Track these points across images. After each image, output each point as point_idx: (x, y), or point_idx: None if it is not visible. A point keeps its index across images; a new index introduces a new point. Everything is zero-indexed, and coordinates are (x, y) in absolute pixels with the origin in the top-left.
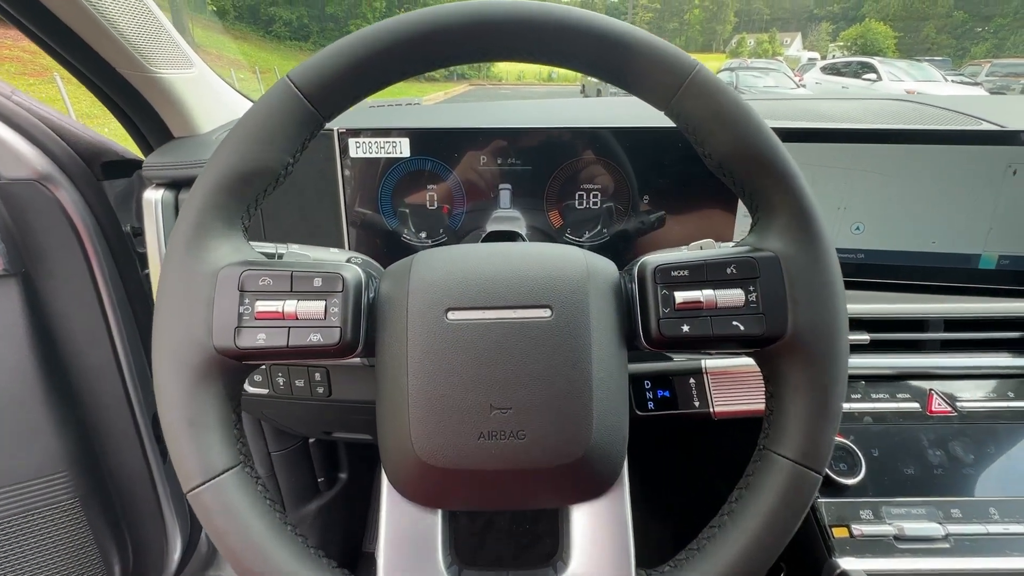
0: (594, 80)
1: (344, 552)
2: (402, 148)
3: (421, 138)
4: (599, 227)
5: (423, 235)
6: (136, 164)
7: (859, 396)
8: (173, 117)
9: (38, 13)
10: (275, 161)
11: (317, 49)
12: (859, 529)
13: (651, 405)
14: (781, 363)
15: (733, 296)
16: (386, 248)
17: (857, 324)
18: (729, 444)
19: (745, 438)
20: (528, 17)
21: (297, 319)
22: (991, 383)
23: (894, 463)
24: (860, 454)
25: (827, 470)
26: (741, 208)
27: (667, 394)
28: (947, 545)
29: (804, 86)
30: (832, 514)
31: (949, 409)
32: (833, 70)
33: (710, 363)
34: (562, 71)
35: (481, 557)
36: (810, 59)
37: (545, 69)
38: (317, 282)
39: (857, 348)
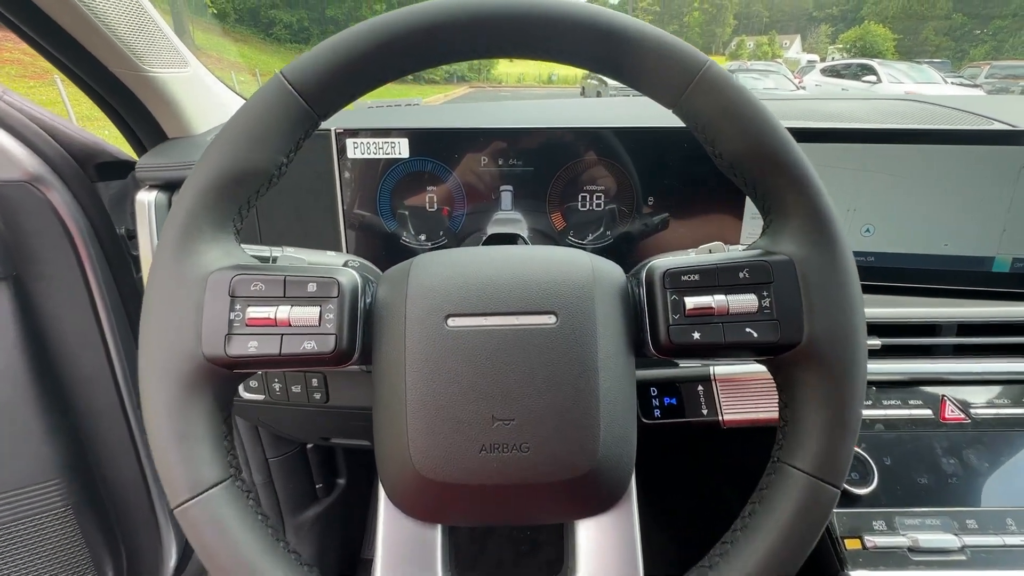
0: (594, 83)
1: (342, 559)
2: (401, 149)
3: (421, 138)
4: (602, 229)
5: (423, 237)
6: (131, 165)
7: (870, 402)
8: (167, 117)
9: (25, 8)
10: (268, 161)
11: None
12: (872, 540)
13: (657, 413)
14: (796, 372)
15: (746, 302)
16: (385, 251)
17: (868, 329)
18: (737, 451)
19: (754, 445)
20: (532, 11)
21: (290, 326)
22: (1006, 389)
23: (907, 472)
24: (872, 463)
25: None
26: (748, 210)
27: (674, 401)
28: (963, 557)
29: (804, 88)
30: (844, 525)
31: (962, 416)
32: (833, 72)
33: (719, 370)
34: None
35: (481, 562)
36: (809, 61)
37: (545, 72)
38: (311, 287)
39: (868, 353)
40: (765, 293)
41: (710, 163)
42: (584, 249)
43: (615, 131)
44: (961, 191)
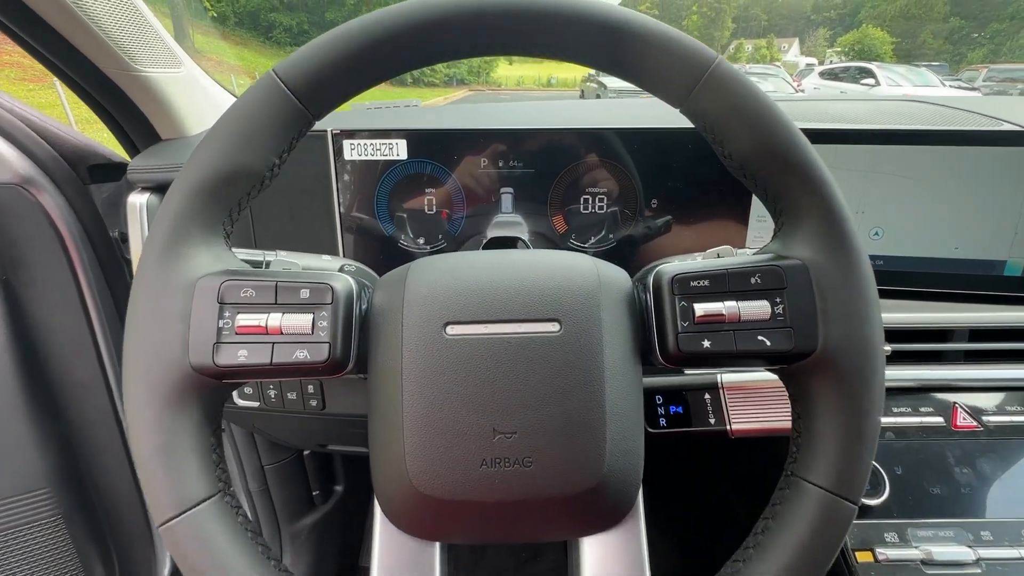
0: (593, 85)
1: (341, 567)
2: (399, 150)
3: (419, 140)
4: (605, 232)
5: (421, 241)
6: (125, 167)
7: None
8: (160, 118)
9: (11, 5)
10: (259, 162)
11: None
12: (884, 553)
13: (663, 422)
14: (810, 381)
15: (758, 308)
16: (383, 255)
17: None
18: (745, 460)
19: (762, 455)
20: (533, 7)
21: (282, 334)
22: (1018, 396)
23: (919, 481)
24: (883, 472)
25: None
26: (754, 212)
27: (680, 410)
28: (978, 570)
29: (803, 91)
30: (855, 537)
31: (975, 424)
32: (831, 75)
33: (727, 377)
34: (562, 77)
35: (480, 571)
36: (808, 64)
37: (545, 75)
38: (304, 293)
39: None
40: (778, 299)
41: (715, 164)
42: (586, 253)
43: (617, 132)
44: (972, 193)
